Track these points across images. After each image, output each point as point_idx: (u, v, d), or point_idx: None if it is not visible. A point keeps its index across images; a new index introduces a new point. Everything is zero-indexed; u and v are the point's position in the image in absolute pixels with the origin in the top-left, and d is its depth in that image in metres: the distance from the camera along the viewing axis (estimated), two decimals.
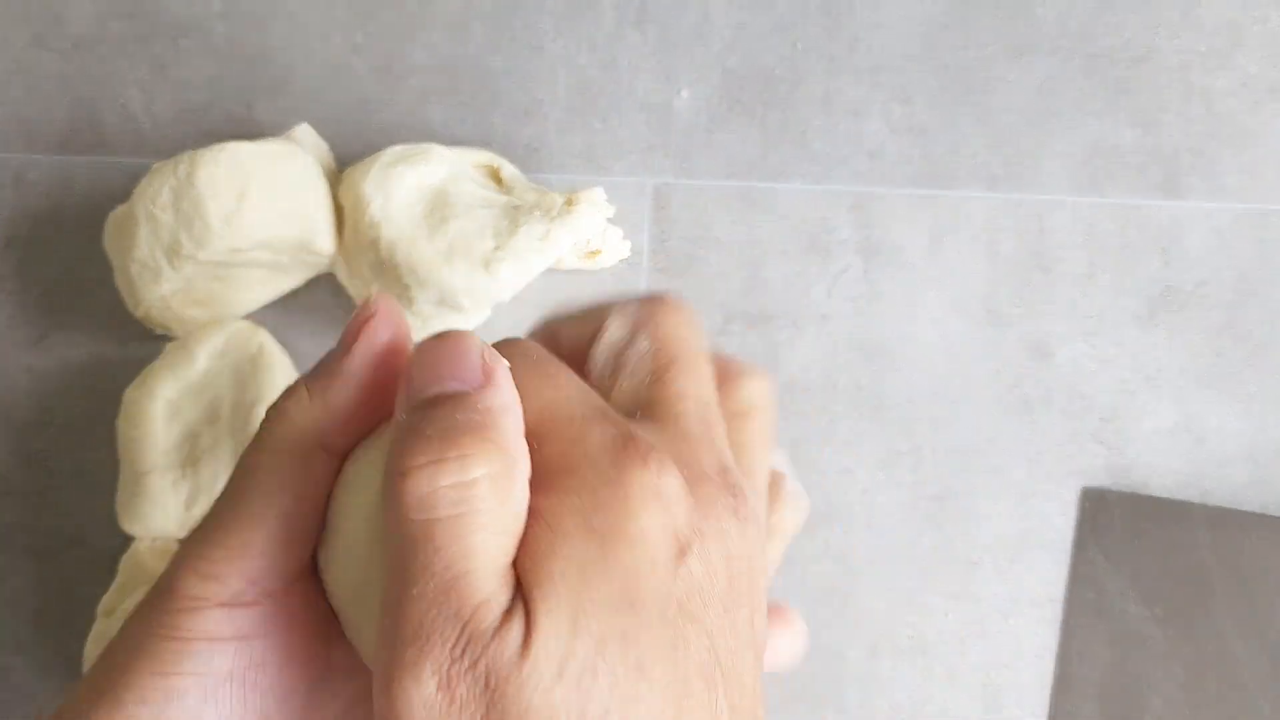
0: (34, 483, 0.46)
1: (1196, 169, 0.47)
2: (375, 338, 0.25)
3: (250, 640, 0.24)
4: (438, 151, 0.44)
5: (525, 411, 0.23)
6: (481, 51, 0.48)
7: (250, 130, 0.48)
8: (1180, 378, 0.46)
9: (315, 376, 0.25)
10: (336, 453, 0.24)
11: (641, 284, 0.46)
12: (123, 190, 0.47)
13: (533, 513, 0.22)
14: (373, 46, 0.48)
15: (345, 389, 0.24)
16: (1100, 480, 0.45)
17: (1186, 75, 0.47)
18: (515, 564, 0.21)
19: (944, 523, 0.45)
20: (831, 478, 0.45)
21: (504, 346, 0.24)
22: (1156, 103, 0.47)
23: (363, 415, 0.25)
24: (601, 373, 0.26)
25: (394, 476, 0.21)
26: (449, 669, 0.20)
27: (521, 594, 0.21)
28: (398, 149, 0.44)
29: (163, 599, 0.24)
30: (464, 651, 0.20)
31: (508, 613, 0.21)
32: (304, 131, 0.46)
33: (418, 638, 0.20)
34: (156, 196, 0.41)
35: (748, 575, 0.23)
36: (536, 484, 0.22)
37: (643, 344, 0.25)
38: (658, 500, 0.22)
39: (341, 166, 0.47)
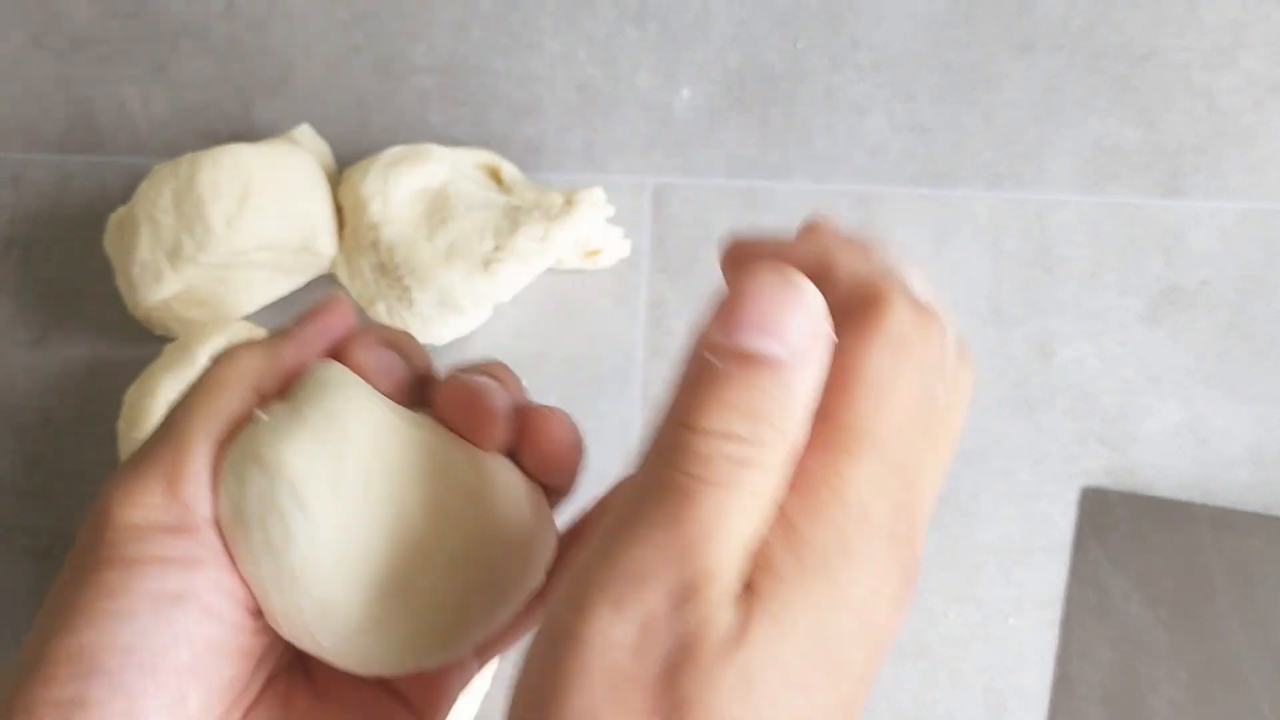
0: (34, 483, 0.46)
1: (1200, 168, 0.46)
2: (333, 321, 0.27)
3: (198, 564, 0.25)
4: (437, 152, 0.43)
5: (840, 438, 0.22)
6: (481, 51, 0.48)
7: (249, 130, 0.48)
8: (1184, 378, 0.45)
9: (268, 337, 0.26)
10: (264, 399, 0.26)
11: (642, 284, 0.46)
12: (121, 190, 0.47)
13: (801, 515, 0.21)
14: (372, 46, 0.48)
15: (294, 348, 0.26)
16: (1104, 481, 0.45)
17: (1189, 74, 0.47)
18: (759, 553, 0.21)
19: (947, 524, 0.45)
20: None
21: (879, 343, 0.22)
22: (1160, 101, 0.47)
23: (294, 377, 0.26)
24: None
25: (681, 426, 0.21)
26: (654, 621, 0.20)
27: (752, 586, 0.21)
28: (397, 149, 0.44)
29: (103, 530, 0.24)
30: (677, 611, 0.20)
31: (735, 592, 0.20)
32: (304, 132, 0.46)
33: (637, 578, 0.20)
34: (158, 199, 0.41)
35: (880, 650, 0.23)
36: (832, 451, 0.21)
37: (939, 391, 0.23)
38: (897, 570, 0.21)
39: (341, 166, 0.47)
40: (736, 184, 0.47)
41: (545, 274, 0.46)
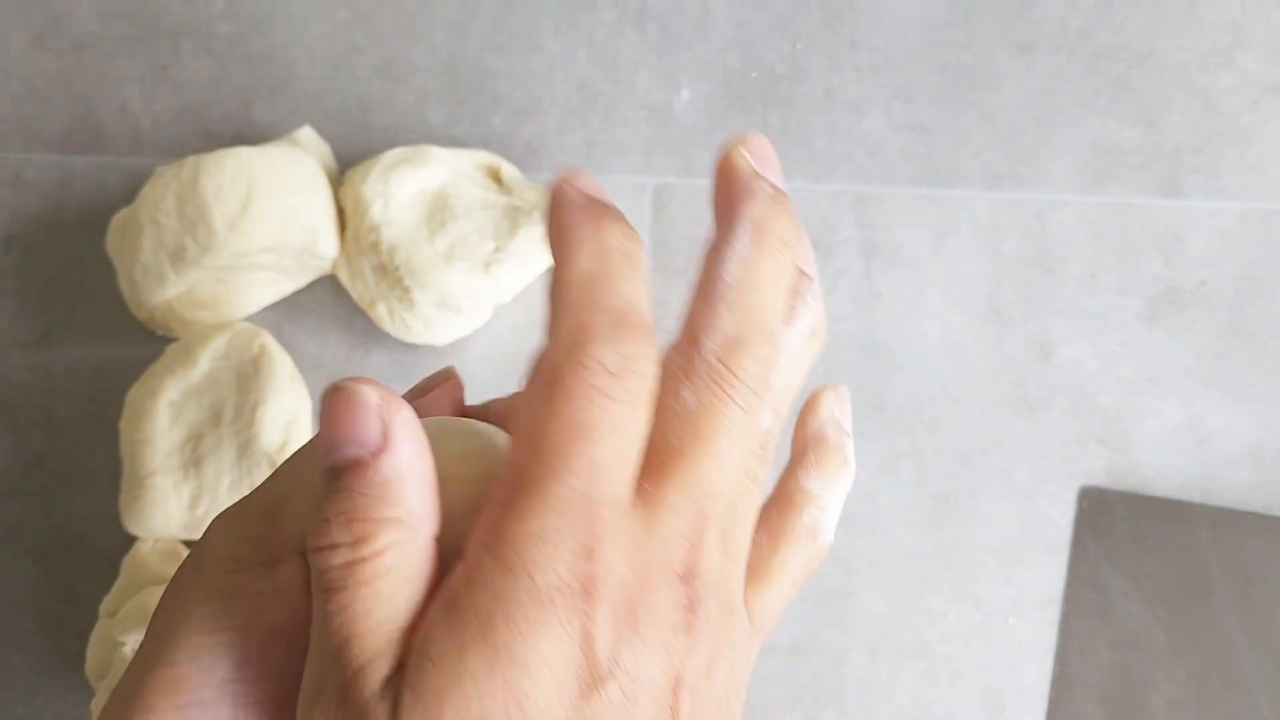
0: (35, 483, 0.46)
1: (1199, 168, 0.46)
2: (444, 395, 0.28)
3: (290, 595, 0.24)
4: (437, 153, 0.44)
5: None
6: (481, 51, 0.48)
7: (250, 130, 0.48)
8: (1183, 378, 0.45)
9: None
10: None
11: None
12: (122, 190, 0.47)
13: (450, 584, 0.22)
14: (373, 47, 0.48)
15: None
16: (1103, 481, 0.45)
17: (1188, 74, 0.47)
18: (415, 628, 0.22)
19: (946, 524, 0.45)
20: None
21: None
22: (1159, 101, 0.47)
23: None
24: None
25: (308, 549, 0.22)
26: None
27: (404, 671, 0.21)
28: (397, 151, 0.44)
29: (204, 563, 0.24)
30: (341, 713, 0.21)
31: (389, 679, 0.21)
32: (306, 134, 0.46)
33: (312, 694, 0.22)
34: (160, 201, 0.41)
35: (694, 693, 0.22)
36: (496, 511, 0.22)
37: (687, 398, 0.23)
38: (578, 631, 0.21)
39: (343, 166, 0.47)
40: None
41: (545, 274, 0.46)
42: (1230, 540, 0.44)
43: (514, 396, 0.28)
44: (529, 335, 0.46)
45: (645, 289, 0.24)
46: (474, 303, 0.42)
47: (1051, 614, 0.44)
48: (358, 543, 0.22)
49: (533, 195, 0.44)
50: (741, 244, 0.24)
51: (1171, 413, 0.45)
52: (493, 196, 0.44)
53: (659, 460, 0.23)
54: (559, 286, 0.23)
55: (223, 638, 0.24)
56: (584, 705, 0.21)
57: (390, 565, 0.22)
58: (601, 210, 0.24)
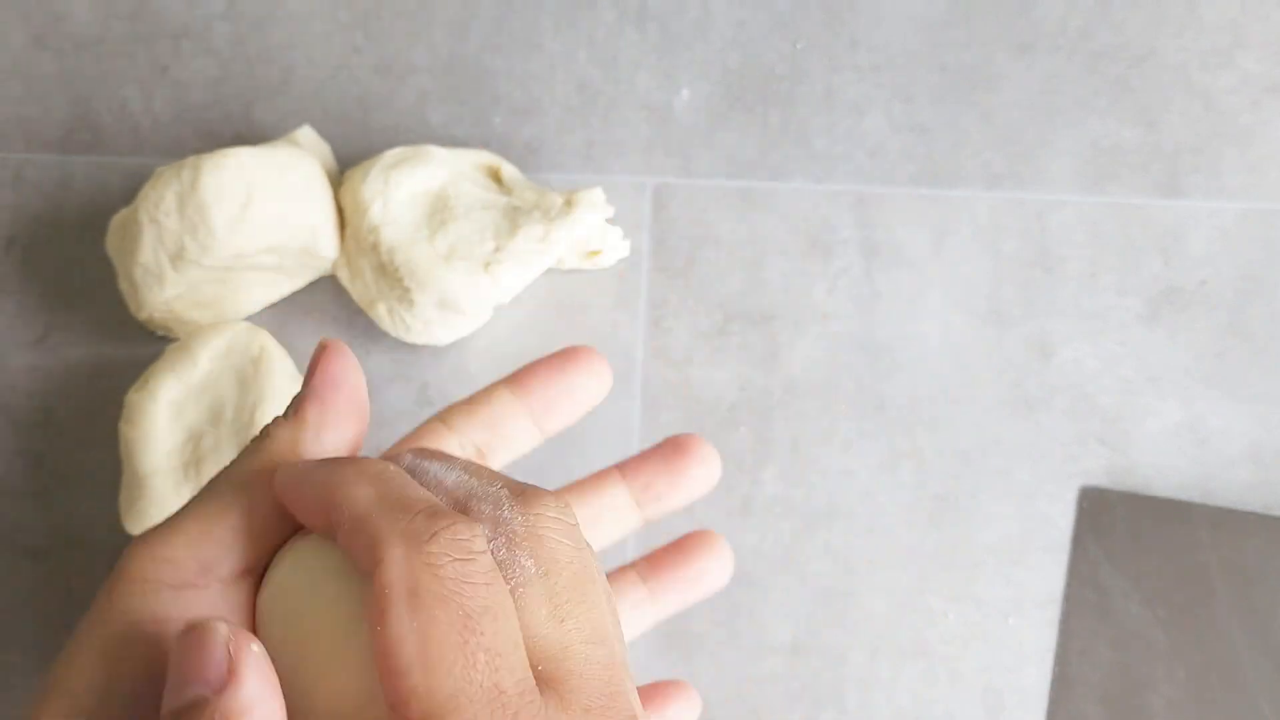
0: (35, 483, 0.46)
1: (1199, 168, 0.46)
2: (331, 363, 0.26)
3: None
4: (437, 153, 0.44)
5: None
6: (481, 51, 0.48)
7: (250, 131, 0.48)
8: (1183, 378, 0.45)
9: (291, 402, 0.26)
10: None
11: (642, 284, 0.46)
12: (122, 190, 0.47)
13: None
14: (373, 47, 0.48)
15: (314, 405, 0.25)
16: (1103, 481, 0.45)
17: (1188, 74, 0.47)
18: None
19: (946, 524, 0.45)
20: (832, 478, 0.45)
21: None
22: (1159, 101, 0.47)
23: (331, 425, 0.26)
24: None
25: None
26: None
27: None
28: (397, 151, 0.44)
29: (113, 583, 0.24)
30: None
31: None
32: (306, 134, 0.46)
33: None
34: (160, 202, 0.41)
35: None
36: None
37: (526, 563, 0.23)
38: None
39: (342, 166, 0.47)
40: (736, 184, 0.47)
41: (545, 274, 0.46)
42: (1230, 540, 0.44)
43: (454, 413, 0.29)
44: (529, 335, 0.46)
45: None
46: (474, 303, 0.42)
47: (1051, 614, 0.44)
48: None
49: (533, 195, 0.44)
50: (438, 465, 0.26)
51: (1171, 413, 0.45)
52: (493, 196, 0.44)
53: (537, 642, 0.23)
54: (354, 519, 0.23)
55: (122, 667, 0.23)
56: None
57: None
58: (343, 459, 0.25)
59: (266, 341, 0.44)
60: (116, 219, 0.44)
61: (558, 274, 0.46)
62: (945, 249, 0.46)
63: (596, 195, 0.44)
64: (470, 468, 0.26)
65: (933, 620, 0.44)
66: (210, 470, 0.43)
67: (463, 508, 0.24)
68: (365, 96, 0.48)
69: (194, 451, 0.43)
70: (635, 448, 0.45)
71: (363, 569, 0.22)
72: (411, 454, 0.26)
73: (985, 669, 0.44)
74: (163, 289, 0.42)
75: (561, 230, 0.42)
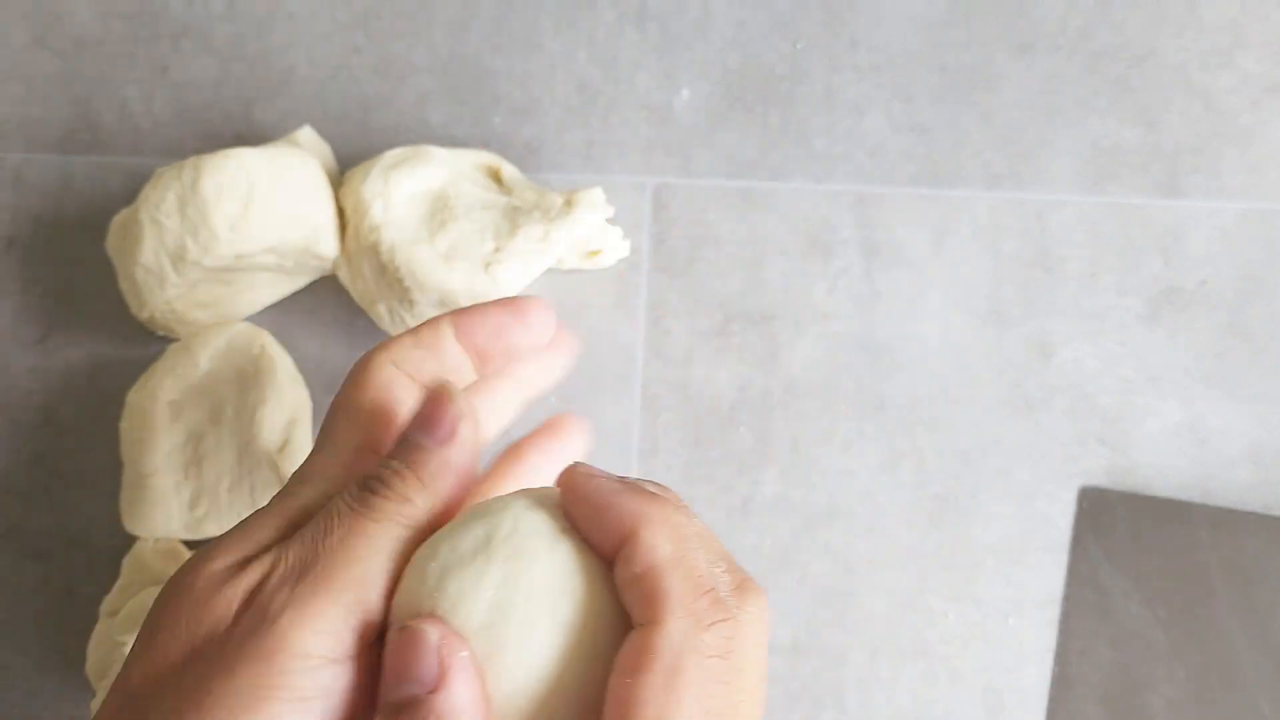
0: (36, 483, 0.46)
1: (1199, 168, 0.46)
2: (465, 435, 0.27)
3: (346, 693, 0.25)
4: (437, 154, 0.44)
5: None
6: (481, 51, 0.48)
7: (250, 131, 0.48)
8: (1183, 378, 0.46)
9: (422, 465, 0.27)
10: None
11: (642, 284, 0.46)
12: (123, 190, 0.47)
13: None
14: (373, 47, 0.48)
15: (447, 479, 0.27)
16: (1102, 481, 0.45)
17: (1188, 74, 0.47)
18: None
19: (946, 524, 0.45)
20: (832, 478, 0.45)
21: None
22: (1158, 101, 0.47)
23: (455, 498, 0.27)
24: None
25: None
26: None
27: None
28: (397, 152, 0.44)
29: (274, 656, 0.24)
30: None
31: None
32: (306, 134, 0.46)
33: None
34: (161, 203, 0.41)
35: None
36: None
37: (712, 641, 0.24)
38: None
39: (342, 167, 0.47)
40: (736, 184, 0.47)
41: (545, 274, 0.46)
42: (1230, 540, 0.44)
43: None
44: None
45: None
46: (474, 302, 0.42)
47: (1051, 614, 0.44)
48: None
49: (533, 195, 0.44)
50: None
51: (1171, 413, 0.45)
52: (493, 196, 0.44)
53: None
54: (647, 567, 0.24)
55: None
56: None
57: None
58: (648, 488, 0.26)
59: (267, 341, 0.44)
60: (117, 219, 0.44)
61: (558, 274, 0.46)
62: (945, 249, 0.46)
63: (596, 195, 0.44)
64: (701, 534, 0.26)
65: (933, 620, 0.44)
66: (211, 470, 0.43)
67: (689, 598, 0.24)
68: (365, 97, 0.48)
69: (194, 451, 0.43)
70: (635, 447, 0.45)
71: (634, 615, 0.24)
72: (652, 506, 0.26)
73: (985, 669, 0.44)
74: (163, 289, 0.42)
75: (561, 230, 0.42)
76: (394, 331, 0.44)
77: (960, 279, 0.46)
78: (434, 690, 0.23)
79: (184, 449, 0.43)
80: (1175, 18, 0.47)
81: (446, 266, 0.41)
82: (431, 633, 0.24)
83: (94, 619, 0.43)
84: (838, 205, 0.46)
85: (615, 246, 0.45)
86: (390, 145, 0.46)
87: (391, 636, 0.24)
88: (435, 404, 0.27)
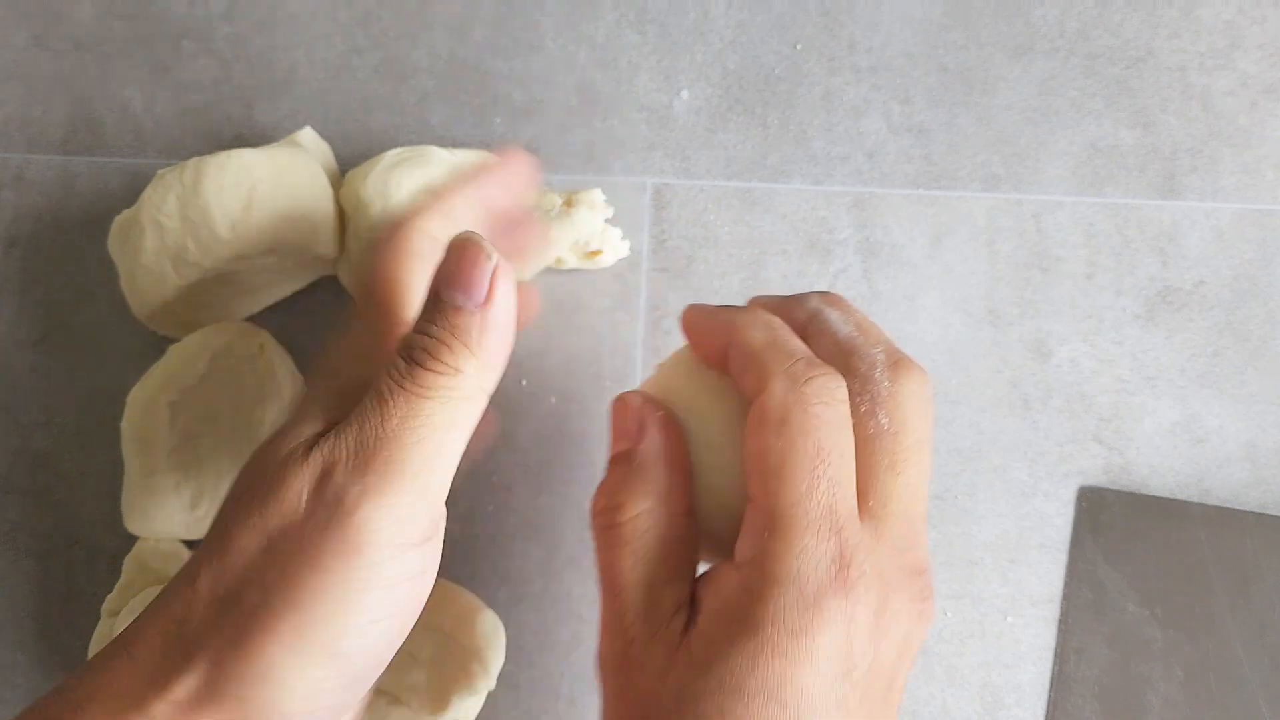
0: (37, 483, 0.46)
1: (1196, 169, 0.47)
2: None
3: (425, 575, 0.28)
4: (437, 154, 0.44)
5: (769, 462, 0.28)
6: (482, 52, 0.48)
7: (251, 131, 0.48)
8: (1179, 377, 0.46)
9: (466, 331, 0.29)
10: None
11: (641, 284, 0.46)
12: (124, 191, 0.47)
13: (744, 567, 0.27)
14: (374, 48, 0.48)
15: (493, 341, 0.30)
16: (1100, 480, 0.45)
17: (1185, 75, 0.47)
18: (701, 582, 0.29)
19: (944, 522, 0.45)
20: None
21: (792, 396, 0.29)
22: (1156, 103, 0.47)
23: (502, 356, 0.31)
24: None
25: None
26: (609, 637, 0.29)
27: (696, 612, 0.28)
28: (398, 152, 0.44)
29: (361, 550, 0.26)
30: (620, 632, 0.29)
31: (674, 613, 0.28)
32: (307, 135, 0.46)
33: (604, 607, 0.29)
34: (162, 204, 0.41)
35: (910, 657, 0.29)
36: (760, 533, 0.27)
37: (883, 420, 0.29)
38: (845, 626, 0.26)
39: (343, 166, 0.47)
40: (735, 185, 0.47)
41: (545, 274, 0.46)
42: (1227, 539, 0.44)
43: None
44: (530, 335, 0.46)
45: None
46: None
47: (1049, 612, 0.45)
48: (618, 511, 0.29)
49: (533, 196, 0.44)
50: (837, 315, 0.32)
51: (1168, 412, 0.46)
52: None
53: (874, 480, 0.29)
54: (747, 354, 0.29)
55: (382, 626, 0.27)
56: (838, 686, 0.26)
57: (642, 531, 0.29)
58: (743, 308, 0.31)
59: (267, 341, 0.44)
60: (119, 220, 0.44)
61: (558, 274, 0.46)
62: (943, 249, 0.46)
63: (596, 196, 0.44)
64: (862, 325, 0.31)
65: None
66: (211, 470, 0.43)
67: (845, 359, 0.30)
68: (366, 97, 0.48)
69: (194, 451, 0.43)
70: None
71: (748, 394, 0.29)
72: (819, 297, 0.32)
73: (983, 666, 0.44)
74: (164, 290, 0.42)
75: (562, 230, 0.43)
76: None
77: (958, 279, 0.46)
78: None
79: (184, 449, 0.43)
80: (1172, 20, 0.47)
81: None
82: (635, 398, 0.31)
83: (94, 619, 0.43)
84: (836, 206, 0.47)
85: (615, 247, 0.45)
86: (391, 146, 0.46)
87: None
88: (468, 260, 0.28)
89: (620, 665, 0.28)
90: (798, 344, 0.29)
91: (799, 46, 0.48)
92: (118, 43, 0.48)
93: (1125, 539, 0.45)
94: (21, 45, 0.49)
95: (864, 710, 0.27)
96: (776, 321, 0.30)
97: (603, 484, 0.30)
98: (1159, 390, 0.46)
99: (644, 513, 0.29)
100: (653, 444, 0.30)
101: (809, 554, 0.27)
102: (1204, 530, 0.44)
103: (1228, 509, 0.44)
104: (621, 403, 0.31)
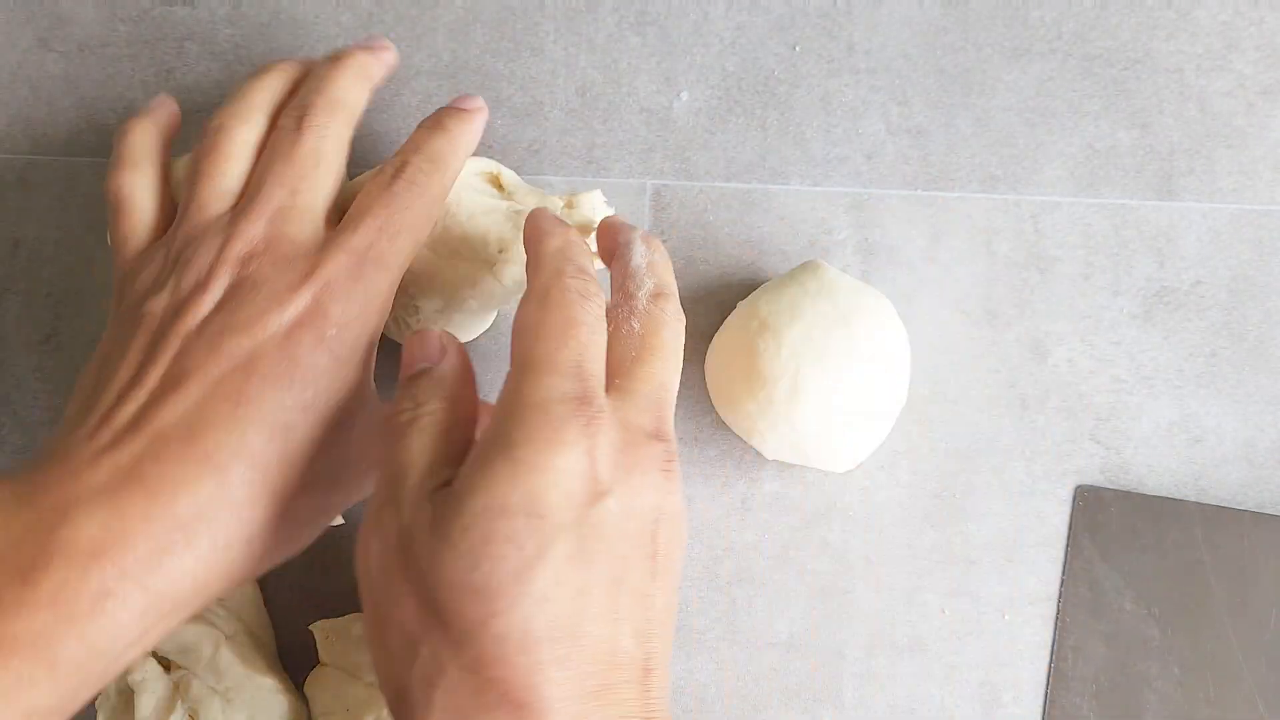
0: None
1: (1192, 170, 0.47)
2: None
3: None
4: None
5: (540, 333, 0.32)
6: (482, 54, 0.48)
7: None
8: (1176, 377, 0.46)
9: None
10: None
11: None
12: None
13: (496, 406, 0.32)
14: None
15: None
16: (1097, 479, 0.46)
17: (1182, 77, 0.47)
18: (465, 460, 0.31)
19: (941, 521, 0.45)
20: (830, 477, 0.46)
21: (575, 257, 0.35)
22: (1152, 104, 0.47)
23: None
24: (616, 299, 0.35)
25: (386, 418, 0.34)
26: (385, 519, 0.31)
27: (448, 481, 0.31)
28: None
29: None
30: (398, 509, 0.31)
31: (437, 488, 0.31)
32: None
33: (379, 503, 0.32)
34: None
35: (669, 522, 0.31)
36: (511, 380, 0.32)
37: (635, 325, 0.34)
38: (587, 446, 0.30)
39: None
40: (734, 186, 0.47)
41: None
42: (1224, 538, 0.44)
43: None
44: None
45: (592, 265, 0.35)
46: (478, 307, 0.42)
47: (1047, 610, 0.45)
48: (417, 407, 0.33)
49: (533, 199, 0.45)
50: (641, 249, 0.37)
51: (1165, 412, 0.46)
52: (494, 201, 0.44)
53: (622, 367, 0.33)
54: (540, 254, 0.34)
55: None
56: (588, 510, 0.29)
57: (435, 421, 0.32)
58: (562, 223, 0.36)
59: None
60: None
61: None
62: (941, 250, 0.47)
63: (597, 197, 0.44)
64: (654, 265, 0.36)
65: (929, 616, 0.45)
66: None
67: (624, 281, 0.35)
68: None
69: None
70: None
71: (529, 279, 0.34)
72: (640, 234, 0.37)
73: (981, 665, 0.45)
74: None
75: None
76: (397, 337, 0.44)
77: (956, 280, 0.46)
78: (438, 361, 0.34)
79: None
80: (1169, 22, 0.48)
81: (450, 271, 0.42)
82: (433, 332, 0.35)
83: None
84: (834, 207, 0.47)
85: None
86: (391, 150, 0.47)
87: (408, 339, 0.35)
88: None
89: (398, 544, 0.30)
90: (581, 259, 0.34)
91: (798, 48, 0.48)
92: (121, 45, 0.49)
93: (1122, 538, 0.45)
94: (26, 47, 0.49)
95: (624, 549, 0.30)
96: (575, 237, 0.35)
97: (402, 391, 0.34)
98: (1156, 390, 0.46)
99: (439, 409, 0.33)
100: (452, 360, 0.34)
101: (555, 389, 0.31)
102: (1201, 529, 0.44)
103: (1225, 508, 0.45)
104: (421, 334, 0.35)
